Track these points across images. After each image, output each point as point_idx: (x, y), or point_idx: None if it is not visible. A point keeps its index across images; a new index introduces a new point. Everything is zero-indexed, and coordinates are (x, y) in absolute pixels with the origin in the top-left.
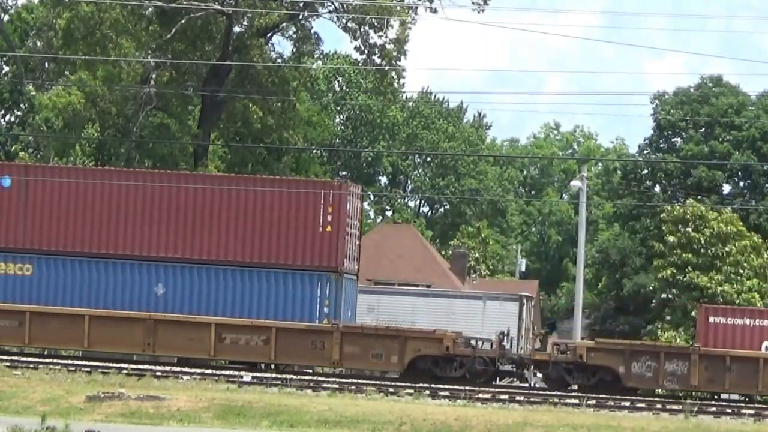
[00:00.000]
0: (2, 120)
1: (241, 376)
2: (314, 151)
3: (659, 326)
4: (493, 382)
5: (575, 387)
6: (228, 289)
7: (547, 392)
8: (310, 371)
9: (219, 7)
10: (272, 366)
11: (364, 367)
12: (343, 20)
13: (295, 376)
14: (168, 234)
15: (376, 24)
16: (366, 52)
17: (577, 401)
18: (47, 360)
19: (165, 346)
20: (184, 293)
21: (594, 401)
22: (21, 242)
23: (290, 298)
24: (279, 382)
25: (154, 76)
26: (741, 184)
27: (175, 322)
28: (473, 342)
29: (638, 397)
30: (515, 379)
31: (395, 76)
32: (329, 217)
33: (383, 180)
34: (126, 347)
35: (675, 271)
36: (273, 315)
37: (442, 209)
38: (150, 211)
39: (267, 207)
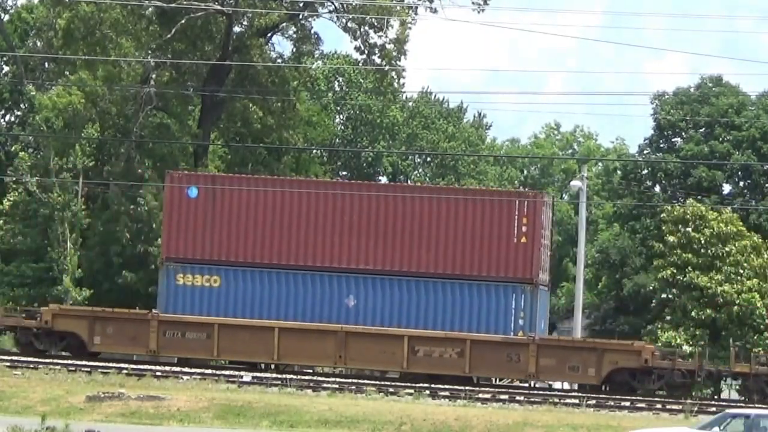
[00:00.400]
0: (2, 120)
1: (241, 376)
2: (314, 151)
3: (659, 326)
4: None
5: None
6: (420, 301)
7: (547, 392)
8: (311, 371)
9: (219, 7)
10: (272, 366)
11: (561, 380)
12: (343, 20)
13: (295, 376)
14: (359, 245)
15: (376, 24)
16: (366, 52)
17: (577, 401)
18: (47, 360)
19: (357, 359)
20: (376, 305)
21: (594, 401)
22: (209, 254)
23: (484, 310)
24: (279, 382)
25: (154, 76)
26: (741, 184)
27: (367, 335)
28: (671, 354)
29: (638, 397)
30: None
31: (395, 76)
32: (524, 228)
33: (383, 180)
34: (317, 360)
35: (675, 271)
36: (467, 327)
37: None
38: (340, 222)
39: (460, 218)
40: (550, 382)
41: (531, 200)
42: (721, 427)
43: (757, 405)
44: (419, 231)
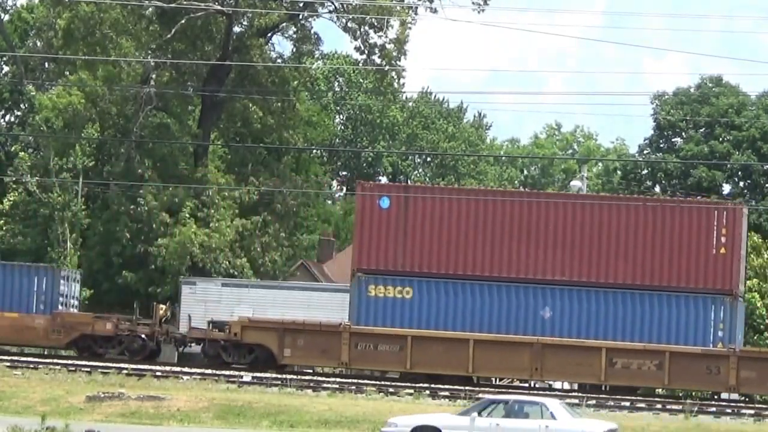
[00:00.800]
0: (2, 120)
1: (241, 376)
2: (314, 151)
3: None
4: None
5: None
6: (618, 313)
7: (547, 392)
8: (310, 371)
9: (219, 7)
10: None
11: (762, 393)
12: (343, 20)
13: (295, 376)
14: (555, 256)
15: (376, 24)
16: (366, 52)
17: (577, 401)
18: (47, 360)
19: (553, 371)
20: (572, 316)
21: (594, 401)
22: (401, 265)
23: (683, 321)
24: (279, 382)
25: (154, 76)
26: (741, 184)
27: (564, 347)
28: None
29: (638, 397)
30: None
31: (395, 76)
32: (723, 239)
33: (383, 180)
34: (512, 372)
35: None
36: (665, 339)
37: None
38: (536, 233)
39: (658, 228)
40: (550, 382)
41: (730, 210)
42: (481, 413)
43: None
44: (616, 242)
